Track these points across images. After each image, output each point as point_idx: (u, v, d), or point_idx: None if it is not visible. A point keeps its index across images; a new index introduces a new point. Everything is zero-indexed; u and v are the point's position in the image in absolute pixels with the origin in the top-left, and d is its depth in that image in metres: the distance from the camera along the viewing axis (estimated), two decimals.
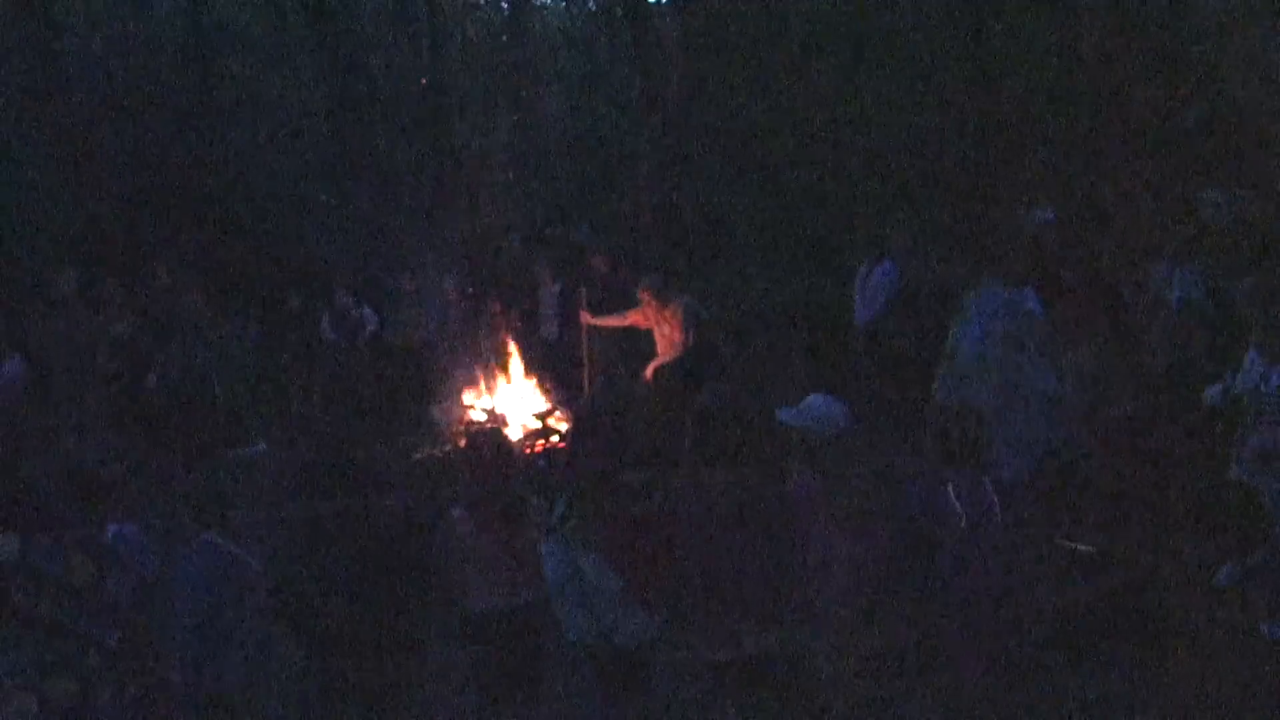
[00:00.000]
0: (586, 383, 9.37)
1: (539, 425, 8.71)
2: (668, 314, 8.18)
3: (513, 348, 9.45)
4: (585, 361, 9.43)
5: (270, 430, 8.96)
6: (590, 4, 19.88)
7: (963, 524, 3.98)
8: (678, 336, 8.12)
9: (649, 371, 8.35)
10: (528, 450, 8.18)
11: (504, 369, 9.30)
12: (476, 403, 9.07)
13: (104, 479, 4.02)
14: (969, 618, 4.01)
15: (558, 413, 8.87)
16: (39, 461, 5.76)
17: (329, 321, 10.96)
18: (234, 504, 4.35)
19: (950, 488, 4.03)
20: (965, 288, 6.45)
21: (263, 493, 5.75)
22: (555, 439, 8.36)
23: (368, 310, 11.10)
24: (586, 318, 9.02)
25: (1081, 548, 4.12)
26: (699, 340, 8.07)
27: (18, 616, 3.49)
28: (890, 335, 10.05)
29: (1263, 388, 5.20)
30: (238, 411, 9.15)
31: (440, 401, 9.21)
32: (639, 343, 8.69)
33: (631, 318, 8.44)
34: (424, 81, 16.86)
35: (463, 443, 8.03)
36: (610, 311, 9.00)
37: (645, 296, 8.36)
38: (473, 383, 9.18)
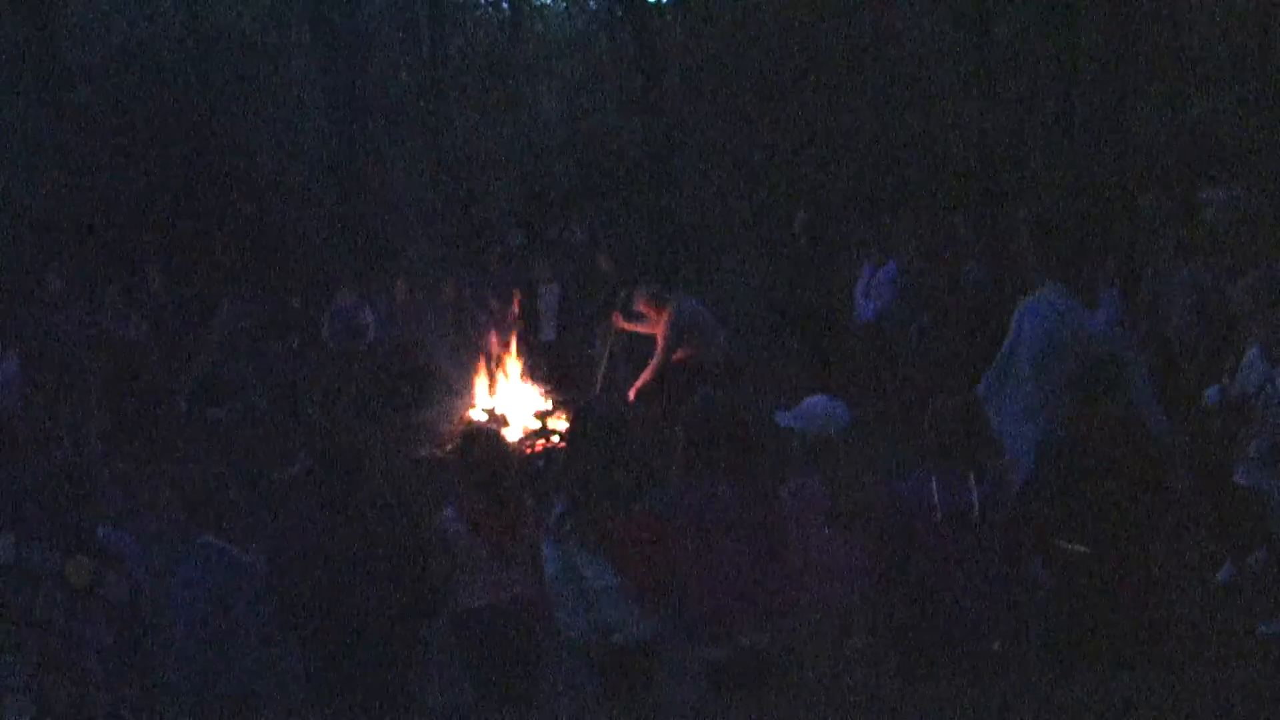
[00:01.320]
0: (599, 383, 9.36)
1: (539, 425, 8.70)
2: (661, 320, 8.12)
3: (513, 347, 9.43)
4: (604, 361, 9.41)
5: (274, 431, 8.94)
6: (590, 4, 19.87)
7: (938, 517, 3.99)
8: (659, 344, 8.04)
9: (632, 394, 8.22)
10: (528, 450, 8.17)
11: (504, 369, 9.29)
12: (476, 403, 9.06)
13: (101, 481, 4.00)
14: (962, 615, 4.01)
15: (558, 413, 8.87)
16: (35, 462, 5.74)
17: (329, 323, 10.96)
18: (234, 506, 4.34)
19: (934, 482, 4.04)
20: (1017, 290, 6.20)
21: (266, 495, 5.74)
22: (555, 439, 8.34)
23: (368, 312, 11.10)
24: (619, 321, 8.98)
25: (1075, 548, 4.10)
26: (692, 345, 7.95)
27: (14, 618, 3.48)
28: (893, 335, 10.07)
29: (1268, 389, 5.17)
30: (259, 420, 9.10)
31: (440, 402, 9.20)
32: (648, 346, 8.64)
33: (653, 326, 8.41)
34: (424, 82, 16.87)
35: (452, 445, 8.04)
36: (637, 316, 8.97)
37: (642, 306, 8.30)
38: (472, 383, 9.17)
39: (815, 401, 4.30)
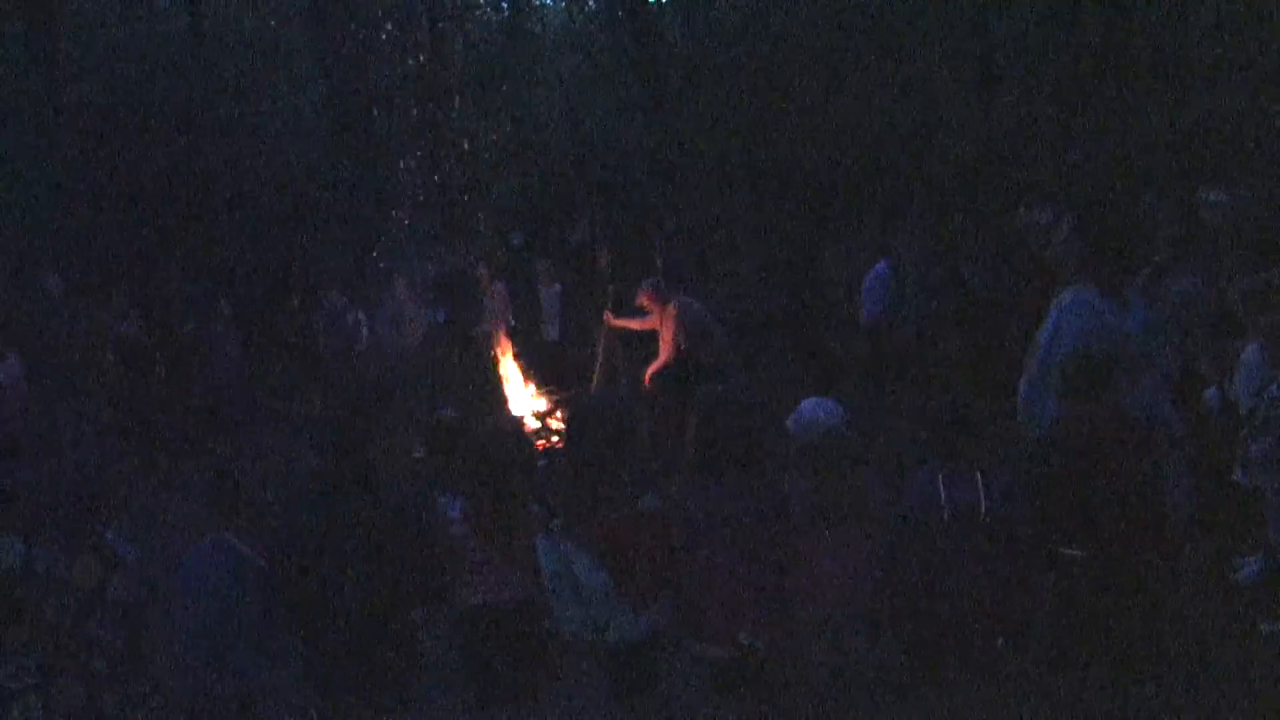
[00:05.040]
0: (595, 381, 9.37)
1: (539, 425, 8.71)
2: (665, 315, 8.16)
3: (512, 348, 9.44)
4: (601, 361, 9.41)
5: (275, 433, 8.96)
6: (590, 4, 19.86)
7: (945, 515, 3.98)
8: (669, 338, 8.09)
9: (646, 377, 8.30)
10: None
11: (503, 369, 9.30)
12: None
13: (108, 482, 4.01)
14: (965, 614, 4.01)
15: (558, 413, 8.87)
16: (41, 464, 5.75)
17: (323, 324, 10.96)
18: (243, 505, 4.35)
19: (941, 479, 4.04)
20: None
21: (270, 494, 5.75)
22: (555, 439, 8.35)
23: (360, 314, 11.08)
24: (610, 319, 9.00)
25: (1069, 551, 4.10)
26: (695, 341, 8.01)
27: (23, 621, 3.48)
28: (888, 336, 10.07)
29: (1270, 389, 5.16)
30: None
31: (440, 402, 9.19)
32: (648, 345, 8.66)
33: (650, 322, 8.43)
34: (424, 81, 16.85)
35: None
36: (628, 313, 8.98)
37: (645, 300, 8.34)
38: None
39: (808, 404, 4.29)
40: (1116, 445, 4.15)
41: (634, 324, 8.73)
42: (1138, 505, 4.12)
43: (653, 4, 17.41)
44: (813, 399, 4.34)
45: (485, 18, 20.24)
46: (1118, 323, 5.30)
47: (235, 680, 4.14)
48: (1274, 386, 5.14)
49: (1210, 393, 5.73)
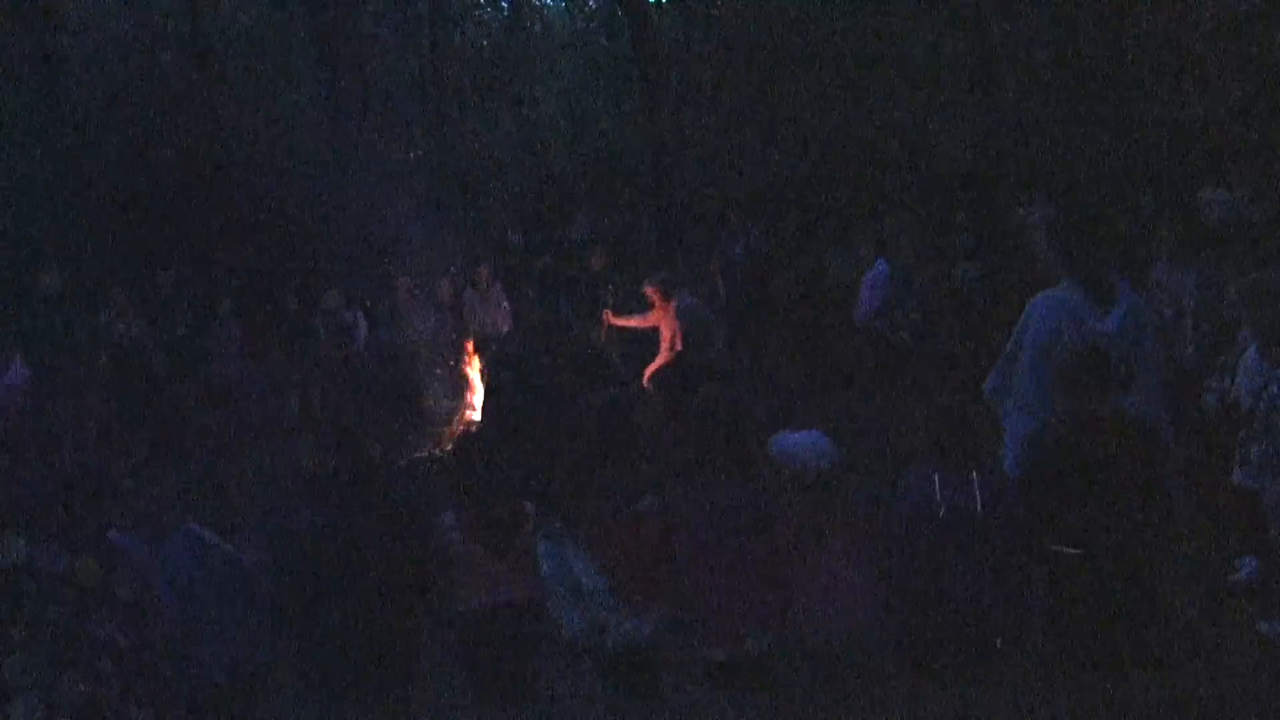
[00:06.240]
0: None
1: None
2: (666, 313, 8.19)
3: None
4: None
5: (273, 432, 8.94)
6: (590, 4, 19.89)
7: (940, 513, 3.98)
8: (668, 337, 8.12)
9: (645, 377, 8.32)
10: None
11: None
12: (475, 403, 9.05)
13: (109, 482, 4.00)
14: (963, 613, 4.01)
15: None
16: (45, 464, 5.74)
17: (322, 324, 10.96)
18: (232, 501, 4.34)
19: (937, 478, 4.03)
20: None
21: (269, 493, 5.75)
22: None
23: (359, 314, 11.07)
24: (609, 318, 9.02)
25: (1065, 550, 4.09)
26: (692, 342, 8.02)
27: (25, 619, 3.48)
28: (884, 335, 10.06)
29: (1270, 390, 5.14)
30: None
31: (438, 402, 9.20)
32: (646, 344, 8.67)
33: (652, 319, 8.44)
34: (424, 81, 16.89)
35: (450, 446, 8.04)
36: (629, 312, 8.98)
37: (650, 291, 8.37)
38: (470, 383, 9.15)
39: (801, 438, 4.20)
40: (1115, 445, 4.14)
41: (634, 322, 8.74)
42: (1136, 504, 4.11)
43: (653, 4, 17.41)
44: (806, 433, 4.24)
45: (485, 18, 20.26)
46: (1094, 322, 5.27)
47: (217, 673, 4.14)
48: (1273, 387, 5.13)
49: (1210, 392, 5.72)
